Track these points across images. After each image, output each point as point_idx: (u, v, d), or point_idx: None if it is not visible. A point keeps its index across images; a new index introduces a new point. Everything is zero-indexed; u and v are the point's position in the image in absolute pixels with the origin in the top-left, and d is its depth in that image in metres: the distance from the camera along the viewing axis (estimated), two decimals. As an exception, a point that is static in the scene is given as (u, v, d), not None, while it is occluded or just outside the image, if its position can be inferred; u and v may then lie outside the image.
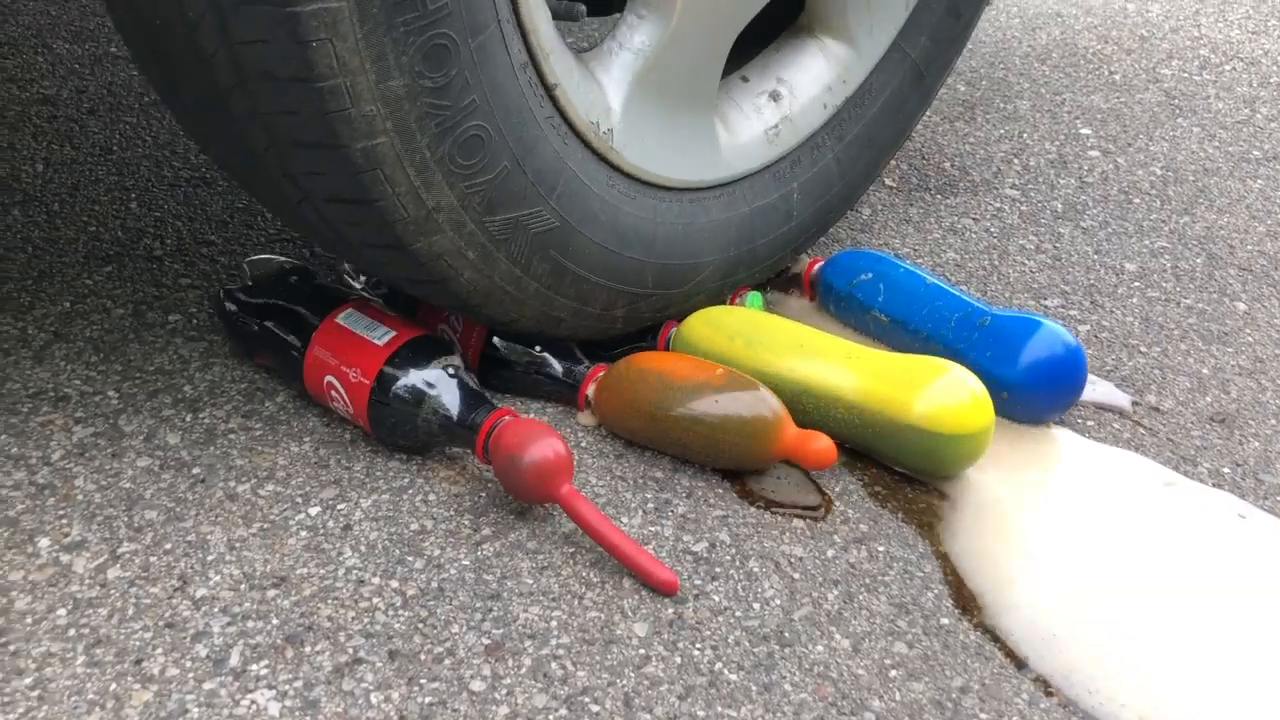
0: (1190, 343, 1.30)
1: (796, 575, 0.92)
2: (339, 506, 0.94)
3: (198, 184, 1.40)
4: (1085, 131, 1.82)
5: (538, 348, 1.06)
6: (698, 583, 0.90)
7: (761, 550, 0.94)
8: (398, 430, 0.97)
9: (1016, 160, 1.69)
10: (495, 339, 1.06)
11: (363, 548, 0.90)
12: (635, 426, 1.01)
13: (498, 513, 0.95)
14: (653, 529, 0.95)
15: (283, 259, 1.11)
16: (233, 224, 1.32)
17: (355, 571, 0.88)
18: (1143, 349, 1.28)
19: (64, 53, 1.71)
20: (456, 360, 0.98)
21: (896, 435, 0.99)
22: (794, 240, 1.22)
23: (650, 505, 0.98)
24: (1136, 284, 1.41)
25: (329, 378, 0.98)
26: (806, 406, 1.02)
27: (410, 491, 0.96)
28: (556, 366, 1.06)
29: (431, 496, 0.96)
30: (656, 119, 1.04)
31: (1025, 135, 1.78)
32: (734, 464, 1.00)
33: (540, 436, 0.91)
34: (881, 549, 0.96)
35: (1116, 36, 2.24)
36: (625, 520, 0.96)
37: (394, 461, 0.99)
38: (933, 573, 0.94)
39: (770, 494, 1.00)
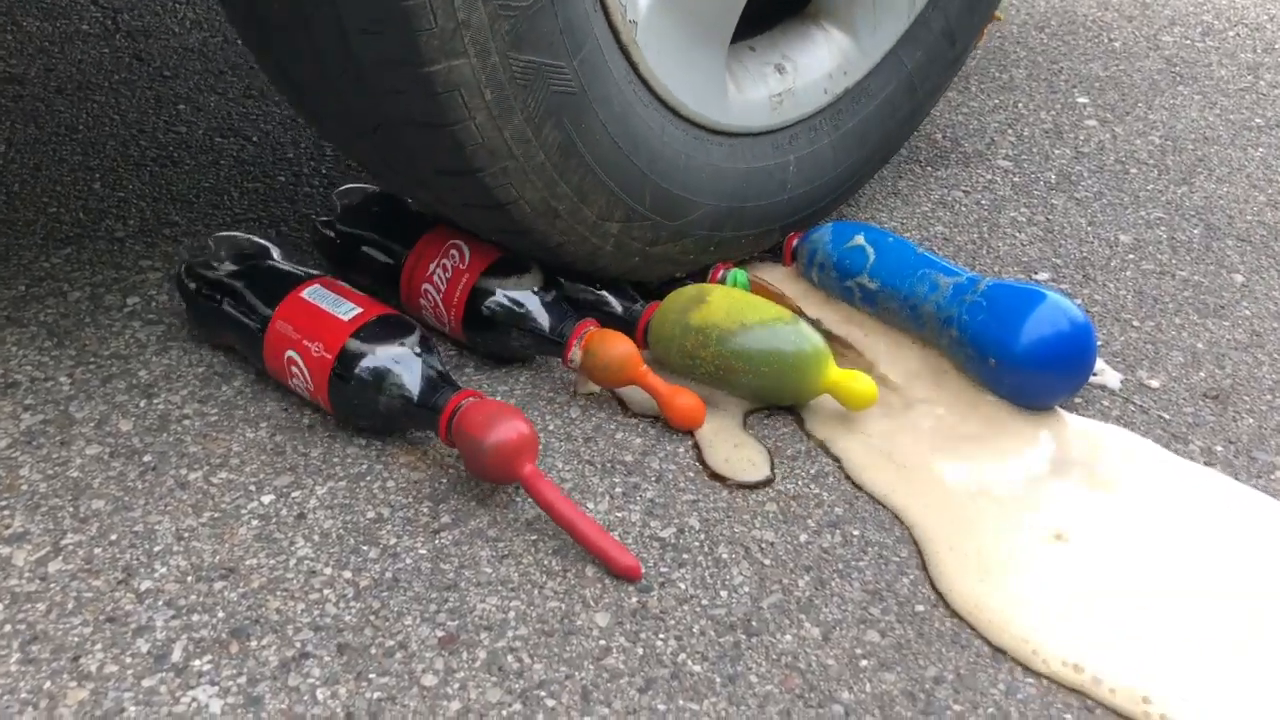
0: (1185, 316, 1.26)
1: (767, 561, 0.89)
2: (293, 494, 0.91)
3: (164, 163, 1.37)
4: (1082, 100, 1.77)
5: (525, 303, 1.02)
6: (664, 570, 0.87)
7: (732, 535, 0.91)
8: (359, 410, 0.94)
9: (1010, 130, 1.65)
10: (490, 290, 1.03)
11: (316, 537, 0.87)
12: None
13: (459, 499, 0.92)
14: (619, 514, 0.92)
15: (245, 236, 1.08)
16: (198, 203, 1.29)
17: (307, 562, 0.85)
18: (1135, 323, 1.24)
19: (34, 30, 1.67)
20: (420, 338, 0.95)
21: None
22: (782, 215, 1.19)
23: (618, 490, 0.94)
24: (1131, 256, 1.36)
25: (290, 352, 0.95)
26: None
27: (368, 478, 0.93)
28: (544, 320, 1.02)
29: (390, 483, 0.93)
30: (675, 40, 1.03)
31: (1020, 105, 1.73)
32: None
33: (504, 416, 0.88)
34: (856, 533, 0.92)
35: (1117, 3, 2.18)
36: (591, 506, 0.92)
37: (352, 447, 0.96)
38: (909, 558, 0.91)
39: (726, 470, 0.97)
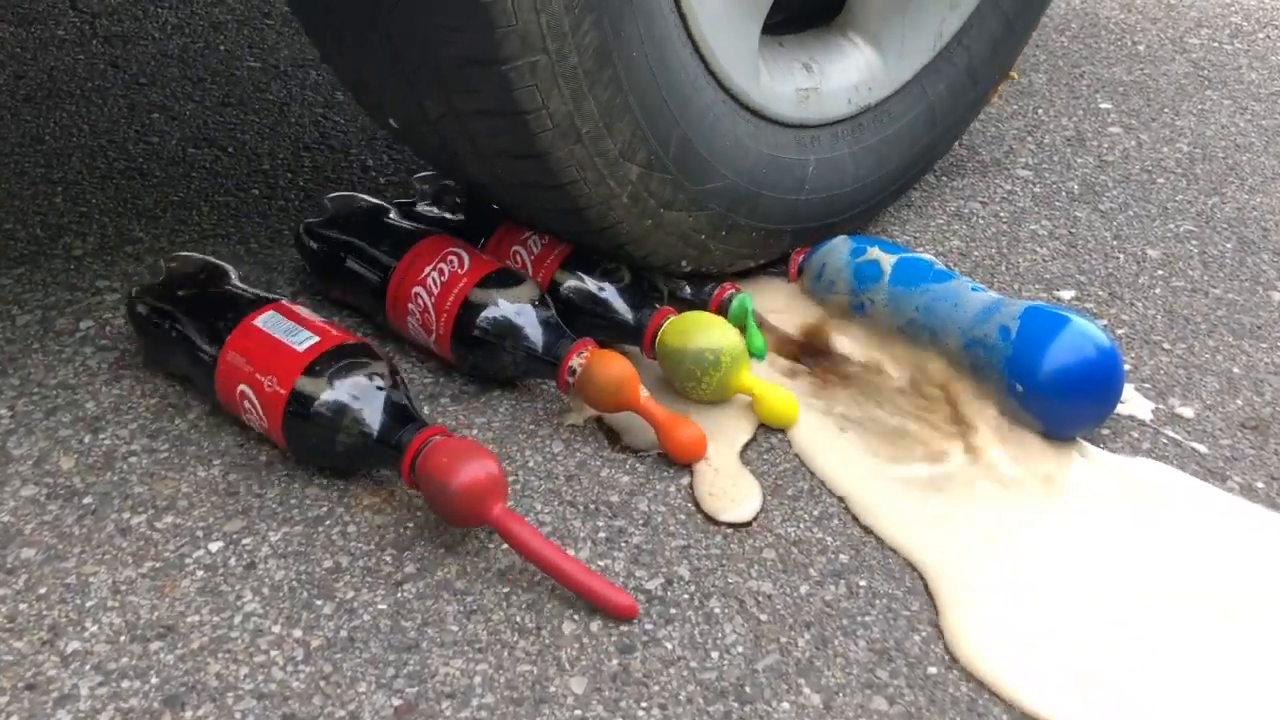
0: (1219, 338, 1.17)
1: (763, 616, 0.80)
2: (244, 541, 0.83)
3: (132, 175, 1.29)
4: (1106, 106, 1.68)
5: (521, 316, 0.96)
6: (649, 627, 0.79)
7: (725, 587, 0.82)
8: (316, 449, 0.86)
9: (1030, 138, 1.56)
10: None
11: (266, 590, 0.79)
12: None
13: (425, 546, 0.83)
14: (602, 563, 0.83)
15: (201, 257, 1.01)
16: (165, 219, 1.21)
17: (254, 619, 0.77)
18: (1166, 345, 1.15)
19: (6, 36, 1.60)
20: (384, 370, 0.87)
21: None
22: (795, 215, 1.13)
23: (601, 535, 0.86)
24: (1160, 272, 1.28)
25: (242, 386, 0.87)
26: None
27: (327, 523, 0.85)
28: (539, 338, 0.95)
29: (351, 528, 0.85)
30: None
31: (1040, 111, 1.64)
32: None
33: (468, 455, 0.80)
34: (863, 583, 0.84)
35: (1141, 4, 2.09)
36: (571, 553, 0.84)
37: (313, 488, 0.88)
38: (921, 611, 0.82)
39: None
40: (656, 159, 0.96)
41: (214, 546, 0.82)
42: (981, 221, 1.35)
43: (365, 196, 1.11)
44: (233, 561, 0.81)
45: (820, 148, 1.13)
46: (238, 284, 0.97)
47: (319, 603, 0.78)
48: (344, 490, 0.88)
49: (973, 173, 1.45)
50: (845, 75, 1.15)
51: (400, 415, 0.85)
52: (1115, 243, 1.33)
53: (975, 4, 1.23)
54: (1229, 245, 1.34)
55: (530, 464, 0.92)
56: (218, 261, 1.00)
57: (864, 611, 0.82)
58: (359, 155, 1.39)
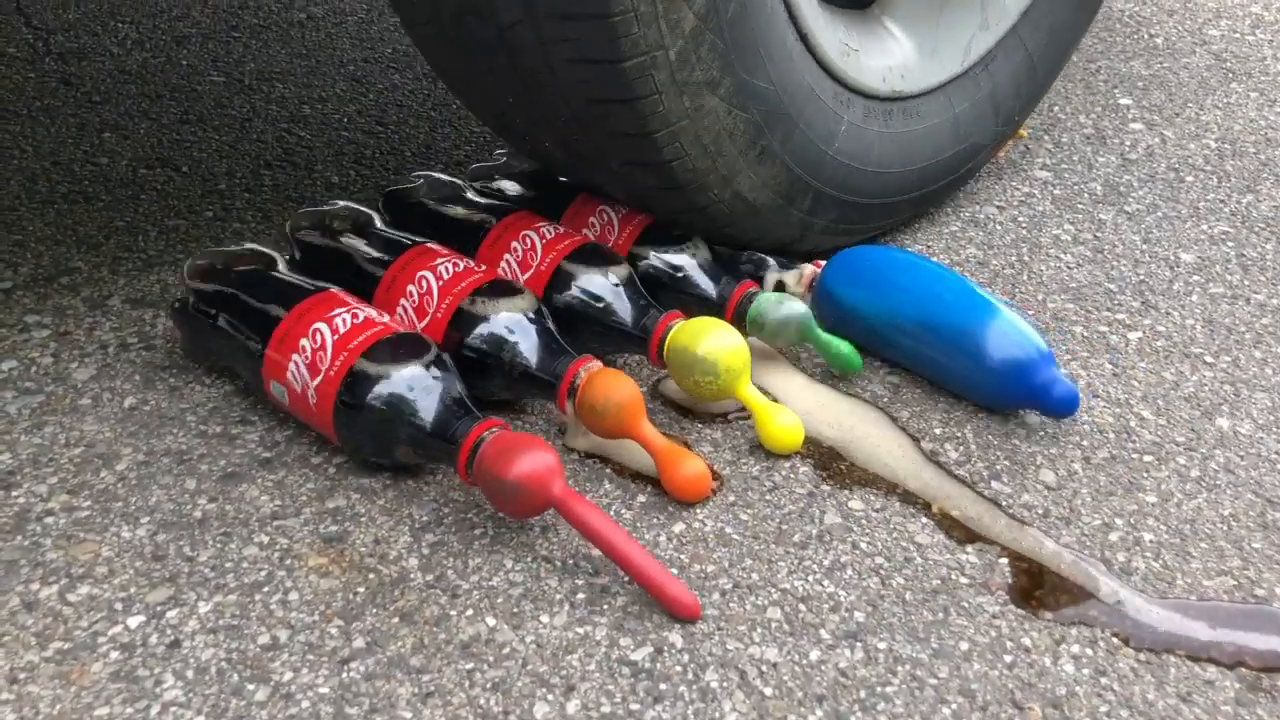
0: (1266, 349, 1.06)
1: (768, 691, 0.69)
2: (169, 614, 0.72)
3: (75, 199, 1.19)
4: (1125, 102, 1.58)
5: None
6: (635, 708, 0.68)
7: (723, 655, 0.71)
8: (366, 439, 0.82)
9: (1047, 137, 1.45)
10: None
11: (190, 673, 0.68)
12: None
13: (377, 615, 0.73)
14: (581, 630, 0.73)
15: (249, 246, 0.97)
16: (106, 246, 1.11)
17: (174, 709, 0.66)
18: (1208, 359, 1.04)
19: (-49, 55, 1.51)
20: (435, 357, 0.83)
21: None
22: (820, 171, 1.06)
23: (580, 596, 0.75)
24: (1196, 278, 1.17)
25: (291, 373, 0.84)
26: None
27: (265, 589, 0.74)
28: (533, 355, 0.87)
29: (293, 595, 0.74)
30: None
31: (1056, 108, 1.54)
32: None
33: (527, 444, 0.76)
34: (883, 645, 0.73)
35: (1155, -5, 1.99)
36: (546, 619, 0.73)
37: (251, 548, 0.77)
38: (949, 679, 0.71)
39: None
40: (712, 13, 0.89)
41: (133, 622, 0.71)
42: (999, 227, 1.24)
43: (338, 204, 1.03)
44: (154, 640, 0.70)
45: (853, 113, 1.07)
46: (284, 272, 0.92)
47: (251, 687, 0.67)
48: (287, 549, 0.77)
49: (987, 175, 1.35)
50: (880, 54, 1.12)
51: (457, 407, 0.80)
52: (1145, 247, 1.22)
53: (1003, 32, 1.21)
54: (1269, 246, 1.23)
55: (498, 515, 0.81)
56: (263, 248, 0.96)
57: (884, 680, 0.70)
58: (323, 171, 1.29)
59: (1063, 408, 0.90)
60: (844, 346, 0.97)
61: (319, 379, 0.81)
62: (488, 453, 0.76)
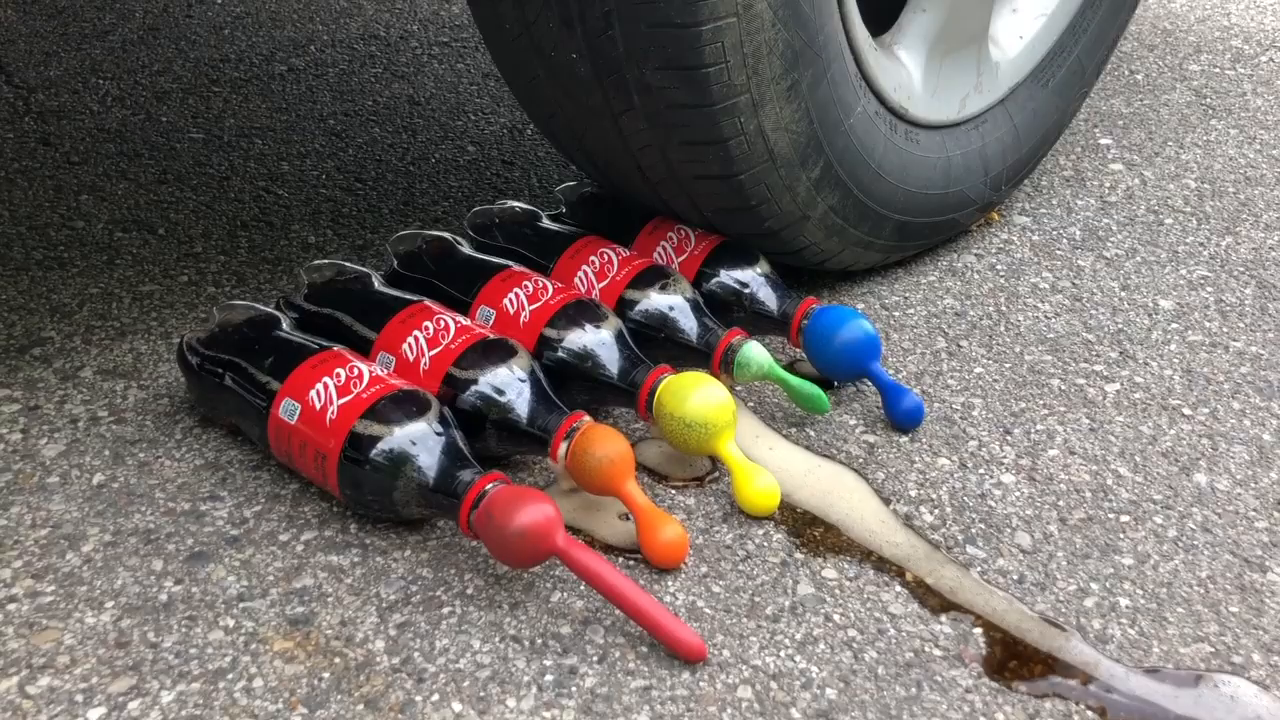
0: (1245, 399, 1.05)
1: (737, 775, 0.68)
2: (130, 705, 0.71)
3: (50, 265, 1.19)
4: (1105, 142, 1.58)
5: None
6: (601, 796, 0.67)
7: (692, 737, 0.71)
8: (371, 498, 0.84)
9: (1026, 181, 1.45)
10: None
11: (150, 769, 0.68)
12: None
13: (342, 703, 0.72)
14: (548, 715, 0.72)
15: (252, 305, 0.98)
16: (80, 314, 1.11)
17: (133, 808, 0.65)
18: (1186, 410, 1.03)
19: (-71, 118, 1.51)
20: (441, 414, 0.84)
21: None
22: (821, 147, 1.07)
23: (548, 678, 0.74)
24: (1174, 326, 1.16)
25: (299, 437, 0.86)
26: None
27: (229, 676, 0.73)
28: (524, 410, 0.88)
29: (257, 682, 0.73)
30: None
31: (1035, 150, 1.54)
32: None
33: (528, 497, 0.78)
34: (854, 725, 0.72)
35: (1136, 31, 1.99)
36: (512, 704, 0.72)
37: (216, 632, 0.76)
38: (923, 758, 0.70)
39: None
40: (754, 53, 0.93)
41: (94, 715, 0.70)
42: (977, 276, 1.24)
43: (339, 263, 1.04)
44: (115, 733, 0.69)
45: (867, 104, 1.10)
46: (288, 331, 0.94)
47: (212, 782, 0.67)
48: (253, 633, 0.76)
49: (965, 222, 1.35)
50: (894, 74, 1.14)
51: (457, 459, 0.82)
52: (1124, 294, 1.22)
53: (994, 100, 1.25)
54: (1247, 291, 1.23)
55: (469, 590, 0.81)
56: (265, 308, 0.97)
57: (856, 761, 0.70)
58: (300, 231, 1.29)
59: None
60: (809, 387, 0.97)
61: (322, 435, 0.84)
62: (489, 506, 0.77)
